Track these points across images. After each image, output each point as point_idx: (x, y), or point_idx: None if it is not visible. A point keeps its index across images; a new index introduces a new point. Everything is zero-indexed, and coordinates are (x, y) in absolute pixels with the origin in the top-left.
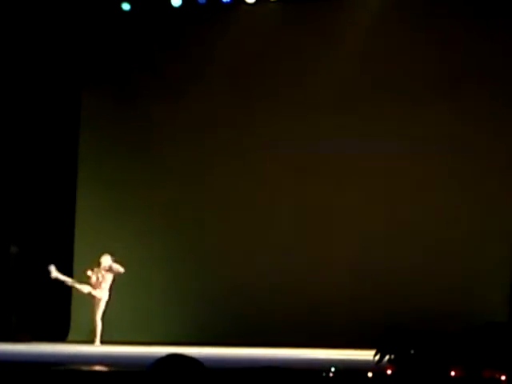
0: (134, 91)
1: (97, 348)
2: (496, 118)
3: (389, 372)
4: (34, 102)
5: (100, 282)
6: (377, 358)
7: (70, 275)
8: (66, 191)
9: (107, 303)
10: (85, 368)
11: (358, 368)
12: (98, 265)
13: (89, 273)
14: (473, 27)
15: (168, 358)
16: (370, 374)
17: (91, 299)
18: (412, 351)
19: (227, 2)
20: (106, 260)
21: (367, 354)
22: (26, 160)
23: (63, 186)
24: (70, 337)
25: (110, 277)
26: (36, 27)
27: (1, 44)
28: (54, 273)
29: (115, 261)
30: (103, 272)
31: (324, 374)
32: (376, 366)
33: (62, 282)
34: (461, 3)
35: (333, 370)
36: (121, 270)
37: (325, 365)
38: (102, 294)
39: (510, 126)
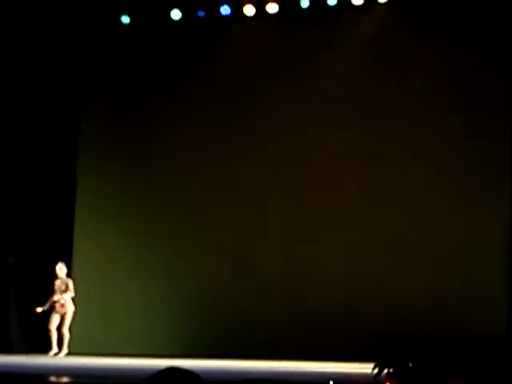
0: (134, 104)
1: (94, 360)
2: (494, 123)
3: None
4: (36, 113)
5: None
6: (375, 371)
7: None
8: (64, 201)
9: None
10: (82, 380)
11: (356, 381)
12: (56, 276)
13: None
14: (473, 36)
15: (166, 372)
16: None
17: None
18: (411, 364)
19: (226, 15)
20: (64, 270)
21: (365, 367)
22: (24, 167)
23: (62, 196)
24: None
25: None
26: (36, 41)
27: (1, 59)
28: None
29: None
30: (64, 282)
31: None
32: (374, 379)
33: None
34: (462, 14)
35: (331, 383)
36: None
37: (323, 378)
38: (69, 305)
39: (504, 132)
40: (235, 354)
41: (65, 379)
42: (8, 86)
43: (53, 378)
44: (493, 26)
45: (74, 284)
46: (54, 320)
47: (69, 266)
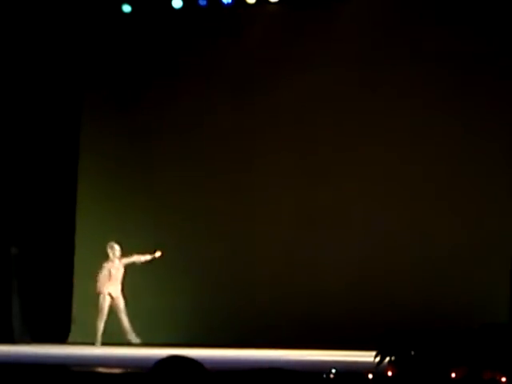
0: (135, 93)
1: (97, 349)
2: (497, 123)
3: (389, 373)
4: (35, 104)
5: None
6: (377, 359)
7: (70, 276)
8: (66, 192)
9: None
10: (86, 369)
11: (358, 369)
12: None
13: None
14: (476, 30)
15: (169, 360)
16: (370, 376)
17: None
18: (412, 352)
19: (228, 4)
20: (117, 250)
21: (368, 356)
22: (26, 161)
23: (64, 187)
24: (70, 338)
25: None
26: (36, 30)
27: (1, 47)
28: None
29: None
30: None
31: (325, 376)
32: (376, 368)
33: (63, 283)
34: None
35: (333, 371)
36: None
37: (325, 366)
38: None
39: (507, 130)
40: (237, 343)
41: (66, 368)
42: (6, 75)
43: (54, 367)
44: (495, 19)
45: (78, 275)
46: (106, 312)
47: (71, 257)
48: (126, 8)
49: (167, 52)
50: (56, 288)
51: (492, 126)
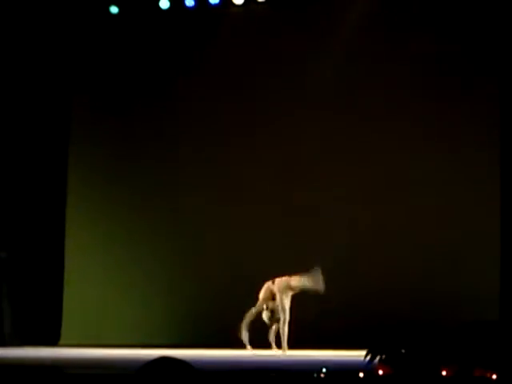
0: (123, 94)
1: (87, 351)
2: (486, 121)
3: (380, 372)
4: (23, 106)
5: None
6: (368, 358)
7: (60, 278)
8: (55, 196)
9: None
10: (75, 371)
11: (349, 368)
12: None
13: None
14: (468, 26)
15: (158, 361)
16: (361, 375)
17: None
18: (403, 351)
19: (215, 4)
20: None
21: (358, 355)
22: (14, 165)
23: (53, 191)
24: (61, 341)
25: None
26: (22, 32)
27: None
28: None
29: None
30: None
31: (315, 375)
32: (367, 367)
33: (53, 286)
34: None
35: (324, 370)
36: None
37: (316, 365)
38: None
39: (496, 128)
40: (227, 343)
41: (59, 370)
42: None
43: (45, 369)
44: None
45: (68, 278)
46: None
47: (61, 260)
48: (114, 9)
49: (155, 53)
50: (46, 291)
51: (484, 129)
